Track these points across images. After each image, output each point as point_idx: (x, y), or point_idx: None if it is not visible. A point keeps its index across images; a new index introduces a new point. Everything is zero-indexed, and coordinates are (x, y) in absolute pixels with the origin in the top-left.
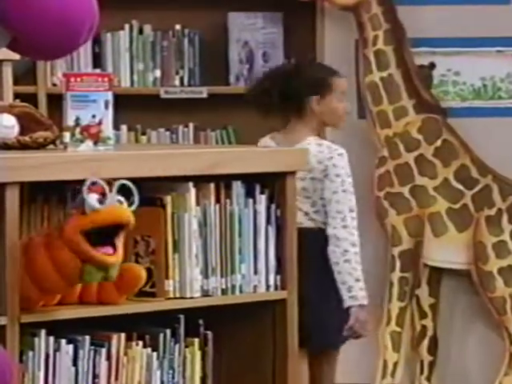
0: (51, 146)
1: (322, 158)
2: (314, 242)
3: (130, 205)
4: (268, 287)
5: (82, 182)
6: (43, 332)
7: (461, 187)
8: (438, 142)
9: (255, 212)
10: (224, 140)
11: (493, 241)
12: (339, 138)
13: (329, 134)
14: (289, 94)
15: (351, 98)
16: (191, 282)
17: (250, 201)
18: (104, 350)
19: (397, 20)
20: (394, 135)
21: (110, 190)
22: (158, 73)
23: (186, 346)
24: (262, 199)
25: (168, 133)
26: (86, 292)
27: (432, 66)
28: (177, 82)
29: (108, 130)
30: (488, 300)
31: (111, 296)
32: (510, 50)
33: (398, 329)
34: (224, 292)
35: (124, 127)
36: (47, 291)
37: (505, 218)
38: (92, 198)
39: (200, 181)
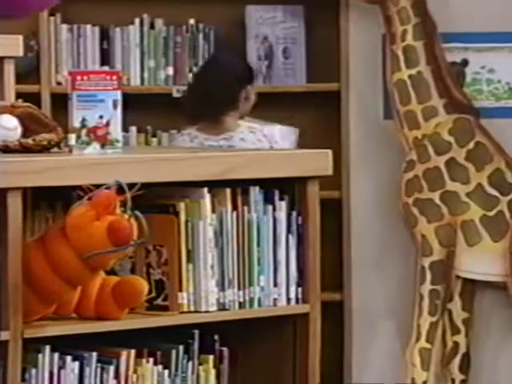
0: (55, 149)
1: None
2: None
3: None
4: (289, 300)
5: (87, 186)
6: (47, 348)
7: (496, 193)
8: (471, 145)
9: (275, 220)
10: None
11: None
12: (363, 139)
13: (352, 136)
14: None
15: (377, 97)
16: (206, 294)
17: (270, 207)
18: (112, 368)
19: (427, 13)
20: (423, 137)
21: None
22: (170, 70)
23: (200, 364)
24: (281, 206)
25: None
26: (83, 305)
27: (465, 62)
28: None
29: (116, 131)
30: None
31: (110, 310)
32: None
33: (428, 345)
34: (241, 305)
35: (133, 129)
36: (46, 298)
37: None
38: None
39: (215, 186)
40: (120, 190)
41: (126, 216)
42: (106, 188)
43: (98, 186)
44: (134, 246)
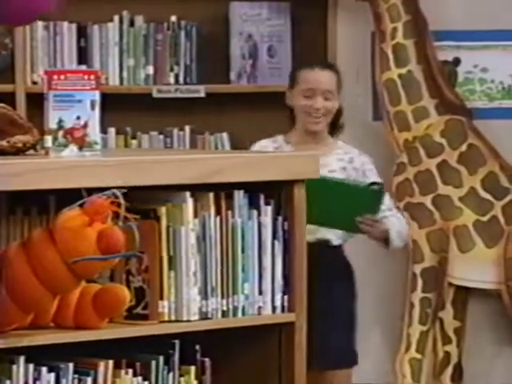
0: (31, 152)
1: None
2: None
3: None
4: (274, 309)
5: (65, 191)
6: (22, 359)
7: (489, 197)
8: (463, 147)
9: (260, 225)
10: (224, 144)
11: None
12: (351, 142)
13: (340, 138)
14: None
15: (365, 98)
16: (188, 303)
17: (254, 212)
18: (89, 379)
19: (418, 11)
20: (413, 139)
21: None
22: (150, 69)
23: (181, 375)
24: (267, 210)
25: (161, 136)
26: (62, 314)
27: (457, 61)
28: (171, 80)
29: (94, 133)
30: None
31: (90, 319)
32: None
33: (419, 356)
34: (225, 314)
35: (112, 130)
36: (26, 306)
37: None
38: None
39: (198, 190)
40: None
41: (118, 226)
42: (102, 196)
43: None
44: (124, 257)
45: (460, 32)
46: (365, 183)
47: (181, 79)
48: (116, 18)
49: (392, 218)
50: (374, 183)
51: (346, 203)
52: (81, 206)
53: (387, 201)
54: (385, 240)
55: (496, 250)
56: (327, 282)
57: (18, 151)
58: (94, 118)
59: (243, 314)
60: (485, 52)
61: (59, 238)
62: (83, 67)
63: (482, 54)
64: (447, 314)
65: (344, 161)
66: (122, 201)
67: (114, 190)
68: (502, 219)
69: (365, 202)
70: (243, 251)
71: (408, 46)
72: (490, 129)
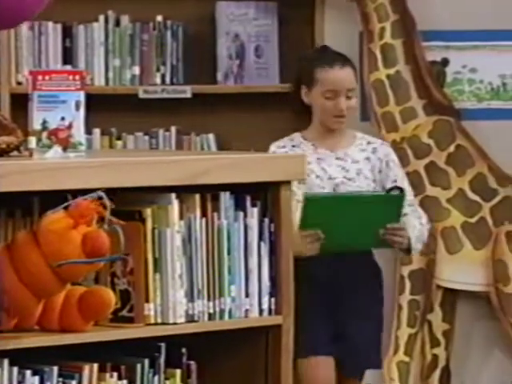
0: (15, 153)
1: None
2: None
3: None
4: (261, 311)
5: (49, 193)
6: (6, 362)
7: (477, 199)
8: (452, 148)
9: (246, 227)
10: (210, 145)
11: None
12: None
13: None
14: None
15: None
16: (174, 305)
17: (241, 214)
18: (74, 383)
19: (406, 10)
20: (401, 140)
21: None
22: (136, 70)
23: (167, 378)
24: (253, 212)
25: (147, 137)
26: (47, 317)
27: (445, 62)
28: (158, 80)
29: (79, 134)
30: (509, 326)
31: (75, 322)
32: None
33: (407, 358)
34: (211, 317)
35: (97, 131)
36: (10, 310)
37: None
38: None
39: (184, 192)
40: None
41: (103, 229)
42: (88, 198)
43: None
44: (109, 260)
45: (448, 32)
46: (379, 192)
47: (167, 79)
48: (101, 17)
49: (412, 219)
50: (391, 188)
51: (363, 217)
52: (65, 208)
53: (408, 194)
54: (406, 248)
55: (484, 252)
56: (356, 285)
57: (2, 152)
58: (79, 118)
59: (230, 316)
60: (474, 52)
61: (44, 240)
62: (68, 67)
63: (470, 55)
64: (435, 317)
65: (367, 151)
66: (107, 203)
67: (100, 192)
68: (490, 221)
69: (385, 211)
70: (229, 253)
71: (396, 46)
72: (479, 130)
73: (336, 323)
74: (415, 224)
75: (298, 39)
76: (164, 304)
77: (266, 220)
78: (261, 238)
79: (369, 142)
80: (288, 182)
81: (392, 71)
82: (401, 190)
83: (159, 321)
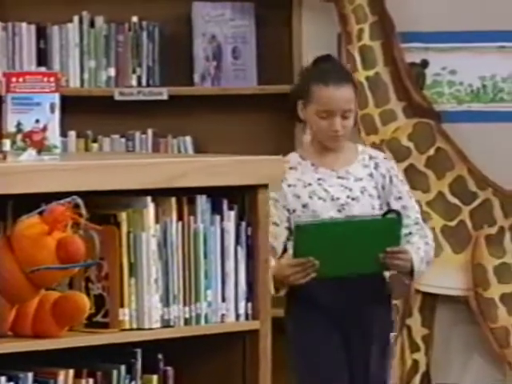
0: None
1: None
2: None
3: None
4: (238, 316)
5: (23, 196)
6: None
7: (457, 202)
8: (431, 151)
9: (223, 230)
10: (187, 148)
11: (494, 263)
12: None
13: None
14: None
15: None
16: (149, 310)
17: (217, 217)
18: None
19: (385, 12)
20: (380, 142)
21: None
22: (112, 71)
23: None
24: (230, 216)
25: (123, 140)
26: (20, 322)
27: (425, 63)
28: (133, 82)
29: (54, 136)
30: (489, 331)
31: (49, 328)
32: None
33: None
34: (187, 322)
35: (72, 134)
36: None
37: (507, 237)
38: None
39: (160, 195)
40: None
41: (78, 235)
42: (62, 203)
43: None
44: (84, 266)
45: (428, 33)
46: (375, 216)
47: (143, 81)
48: (76, 18)
49: (416, 239)
50: (388, 211)
51: (360, 242)
52: (40, 213)
53: (413, 212)
54: (409, 272)
55: (464, 256)
56: (366, 308)
57: None
58: (54, 121)
59: (206, 321)
60: (453, 54)
61: (17, 246)
62: (43, 69)
63: (450, 56)
64: (415, 322)
65: (370, 167)
66: (83, 208)
67: (75, 197)
68: (469, 224)
69: (383, 235)
70: (206, 257)
71: (375, 47)
72: (459, 132)
73: (347, 349)
74: (420, 245)
75: (275, 40)
76: (139, 309)
77: (243, 224)
78: (238, 241)
79: (371, 157)
80: (265, 186)
81: (371, 73)
82: (398, 213)
83: (134, 326)
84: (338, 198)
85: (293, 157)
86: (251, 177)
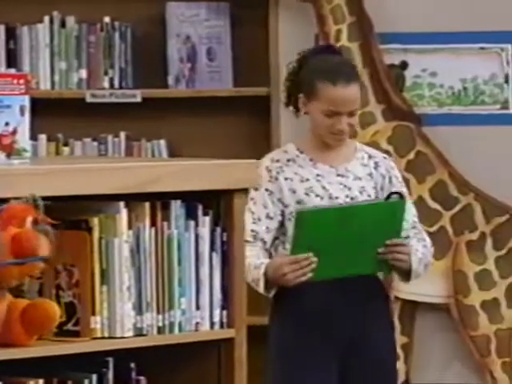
0: None
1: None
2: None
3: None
4: (212, 325)
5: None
6: None
7: (438, 207)
8: (411, 155)
9: (197, 236)
10: (161, 152)
11: (475, 270)
12: None
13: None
14: (289, 86)
15: None
16: (122, 318)
17: (192, 223)
18: None
19: (363, 12)
20: None
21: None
22: (83, 73)
23: None
24: (205, 221)
25: (95, 143)
26: None
27: (404, 65)
28: (106, 84)
29: (24, 140)
30: (469, 339)
31: (18, 337)
32: (495, 47)
33: None
34: (160, 330)
35: (43, 137)
36: None
37: (489, 243)
38: None
39: (133, 200)
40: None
41: (34, 230)
42: (19, 201)
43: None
44: (36, 260)
45: (407, 34)
46: (377, 200)
47: (116, 83)
48: (46, 18)
49: (414, 242)
50: (391, 193)
51: (361, 231)
52: None
53: (410, 215)
54: (406, 272)
55: (444, 262)
56: (362, 314)
57: None
58: (24, 124)
59: (180, 330)
60: (433, 55)
61: None
62: (12, 71)
63: (430, 58)
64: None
65: (369, 166)
66: (40, 205)
67: (33, 194)
68: (450, 230)
69: (385, 221)
70: (180, 264)
71: (353, 48)
72: (440, 136)
73: (339, 365)
74: (418, 247)
75: (251, 41)
76: (111, 317)
77: (218, 229)
78: (212, 248)
79: (370, 156)
80: (242, 190)
81: None
82: (400, 195)
83: (106, 335)
84: (336, 197)
85: (290, 148)
86: (227, 181)
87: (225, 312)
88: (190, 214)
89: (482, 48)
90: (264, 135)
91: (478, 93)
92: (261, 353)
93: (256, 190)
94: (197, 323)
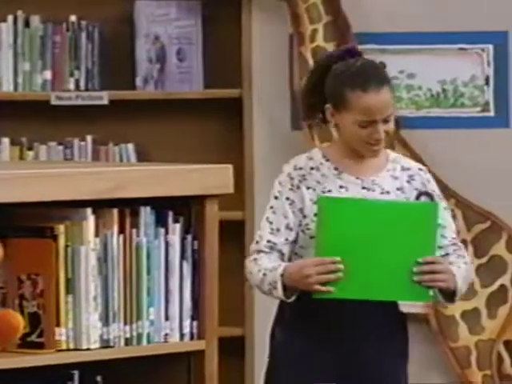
0: None
1: None
2: None
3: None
4: (182, 336)
5: None
6: None
7: None
8: None
9: (167, 244)
10: (130, 156)
11: None
12: (268, 153)
13: (256, 149)
14: (310, 98)
15: (284, 105)
16: (88, 330)
17: (161, 230)
18: None
19: (340, 11)
20: None
21: None
22: (48, 74)
23: None
24: (175, 228)
25: (61, 147)
26: None
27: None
28: (71, 86)
29: None
30: (449, 350)
31: None
32: (475, 48)
33: None
34: (128, 342)
35: (6, 141)
36: None
37: (470, 250)
38: None
39: (100, 206)
40: None
41: None
42: None
43: None
44: None
45: (384, 34)
46: (406, 201)
47: (82, 85)
48: (10, 17)
49: (454, 259)
50: (420, 194)
51: (392, 230)
52: None
53: (450, 232)
54: (450, 293)
55: None
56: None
57: None
58: None
59: (148, 341)
60: (411, 56)
61: None
62: None
63: (408, 59)
64: None
65: (401, 179)
66: None
67: None
68: None
69: (417, 223)
70: (149, 273)
71: (329, 49)
72: (418, 139)
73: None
74: (460, 264)
75: (223, 41)
76: (77, 328)
77: (189, 237)
78: (183, 256)
79: (403, 168)
80: (214, 196)
81: None
82: (431, 196)
83: (71, 346)
84: None
85: (316, 154)
86: (198, 187)
87: (195, 323)
88: (160, 221)
89: (462, 49)
90: (236, 138)
91: (458, 95)
92: (233, 365)
93: (276, 198)
94: (166, 334)
